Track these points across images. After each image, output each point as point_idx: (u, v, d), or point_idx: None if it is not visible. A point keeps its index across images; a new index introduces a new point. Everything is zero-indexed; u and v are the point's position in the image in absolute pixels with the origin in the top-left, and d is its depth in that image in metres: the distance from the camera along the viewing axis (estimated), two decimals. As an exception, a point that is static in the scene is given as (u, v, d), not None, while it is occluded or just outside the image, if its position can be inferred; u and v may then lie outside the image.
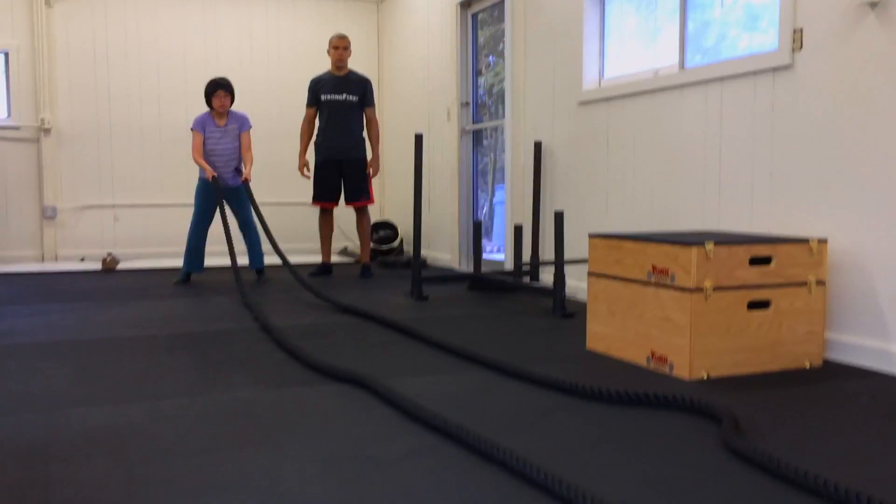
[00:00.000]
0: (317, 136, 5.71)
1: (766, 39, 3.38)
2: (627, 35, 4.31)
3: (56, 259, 6.68)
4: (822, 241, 2.81)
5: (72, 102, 6.71)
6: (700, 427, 2.07)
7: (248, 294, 4.31)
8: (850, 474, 1.73)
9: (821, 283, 2.81)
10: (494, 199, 6.86)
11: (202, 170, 5.16)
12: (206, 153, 5.20)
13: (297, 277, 4.66)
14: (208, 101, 5.20)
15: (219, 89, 5.15)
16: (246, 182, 5.18)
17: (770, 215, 3.20)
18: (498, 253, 6.20)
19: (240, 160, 5.28)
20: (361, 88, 5.65)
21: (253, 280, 5.37)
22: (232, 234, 5.06)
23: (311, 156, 5.75)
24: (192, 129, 5.20)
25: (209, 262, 5.53)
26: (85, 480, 1.69)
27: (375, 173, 5.76)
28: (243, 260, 5.71)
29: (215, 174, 5.09)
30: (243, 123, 5.28)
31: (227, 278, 5.46)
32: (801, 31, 3.02)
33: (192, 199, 5.40)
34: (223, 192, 5.17)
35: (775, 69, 3.15)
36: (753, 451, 1.78)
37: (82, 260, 6.67)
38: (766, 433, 2.02)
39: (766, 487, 1.65)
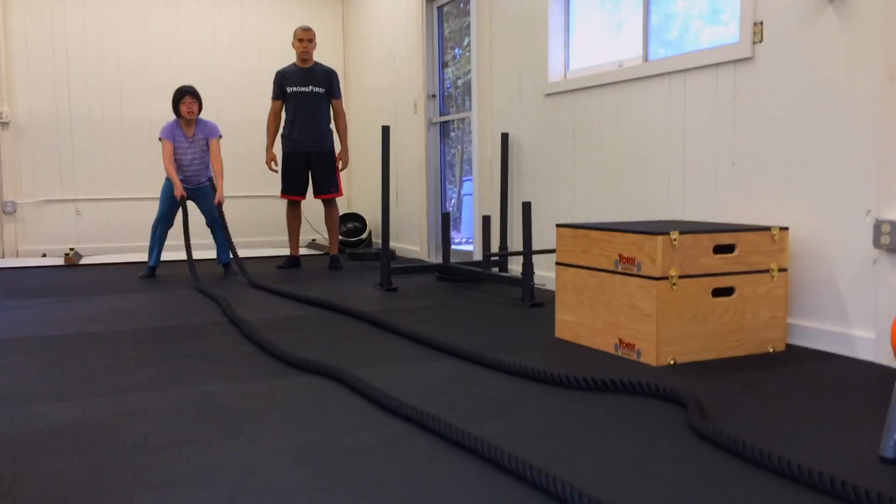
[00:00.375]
0: (283, 128, 5.68)
1: (728, 32, 3.44)
2: (592, 27, 4.34)
3: (17, 255, 6.56)
4: (784, 229, 2.87)
5: (31, 95, 6.58)
6: (666, 411, 2.11)
7: (202, 286, 4.33)
8: (814, 453, 1.78)
9: (783, 269, 2.87)
10: (463, 191, 6.88)
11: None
12: (175, 162, 5.10)
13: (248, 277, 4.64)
14: (175, 109, 5.09)
15: (185, 95, 5.05)
16: (219, 204, 5.11)
17: (733, 204, 3.25)
18: (467, 244, 6.22)
19: (208, 169, 5.21)
20: (328, 80, 5.63)
21: (220, 274, 5.33)
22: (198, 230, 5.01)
23: (277, 149, 5.72)
24: (160, 139, 5.09)
25: (174, 255, 5.47)
26: (52, 476, 1.67)
27: (345, 165, 5.75)
28: (207, 254, 5.66)
29: (184, 194, 5.02)
30: (212, 132, 5.19)
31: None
32: (762, 23, 3.07)
33: (154, 193, 5.34)
34: (187, 198, 5.12)
35: (736, 61, 3.20)
36: (718, 433, 1.82)
37: (44, 255, 6.55)
38: (731, 416, 2.06)
39: (731, 468, 1.69)
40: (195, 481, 1.64)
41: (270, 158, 5.68)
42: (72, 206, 6.75)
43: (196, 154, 5.15)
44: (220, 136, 5.23)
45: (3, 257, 6.51)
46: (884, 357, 2.66)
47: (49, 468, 1.72)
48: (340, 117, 5.72)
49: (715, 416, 2.07)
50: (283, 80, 5.60)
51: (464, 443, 1.81)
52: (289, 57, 5.87)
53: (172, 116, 5.20)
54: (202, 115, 5.32)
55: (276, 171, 5.71)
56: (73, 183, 6.75)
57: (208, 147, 5.17)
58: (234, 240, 5.42)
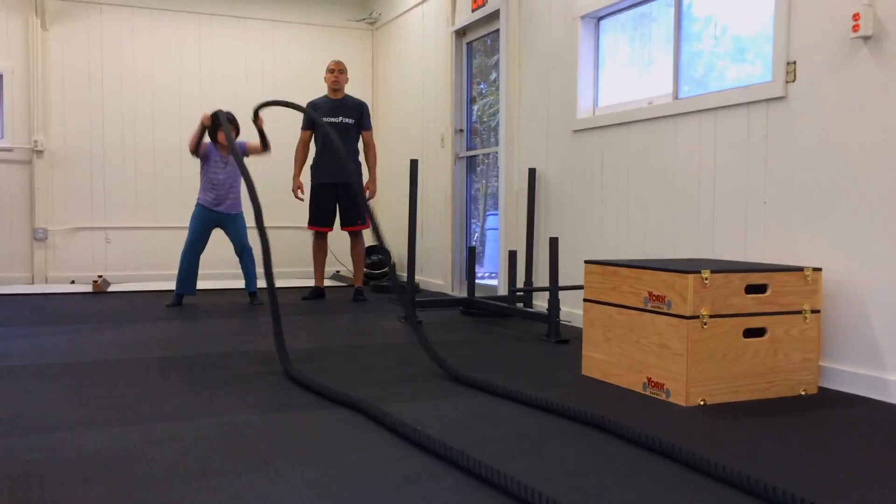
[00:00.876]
0: (313, 159, 5.74)
1: (753, 70, 3.44)
2: (621, 64, 4.36)
3: (46, 281, 6.64)
4: (817, 270, 2.83)
5: (65, 124, 6.72)
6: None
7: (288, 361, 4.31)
8: (851, 501, 1.73)
9: (815, 311, 2.82)
10: (486, 226, 6.89)
11: (201, 195, 5.19)
12: (208, 181, 5.21)
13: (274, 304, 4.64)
14: (212, 135, 5.21)
15: (221, 126, 5.17)
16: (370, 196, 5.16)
17: (764, 244, 3.22)
18: (490, 278, 6.21)
19: (238, 191, 5.30)
20: (358, 112, 5.69)
21: (246, 303, 5.36)
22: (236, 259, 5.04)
23: (305, 179, 5.77)
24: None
25: (202, 285, 5.51)
26: (81, 504, 1.67)
27: (372, 196, 5.78)
28: (235, 283, 5.70)
29: (207, 123, 5.08)
30: (243, 147, 5.31)
31: (219, 301, 5.44)
32: (795, 63, 3.07)
33: (184, 223, 5.40)
34: (215, 226, 5.19)
35: (769, 100, 3.19)
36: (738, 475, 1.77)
37: (72, 282, 6.63)
38: (766, 459, 2.02)
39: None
40: (222, 513, 1.63)
41: (297, 187, 5.73)
42: (101, 233, 6.84)
43: (229, 174, 5.25)
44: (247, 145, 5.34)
45: (33, 283, 6.60)
46: (921, 402, 2.60)
47: (77, 496, 1.72)
48: (370, 149, 5.77)
49: (744, 459, 2.03)
50: (313, 110, 5.67)
51: (493, 480, 1.78)
52: (318, 90, 5.95)
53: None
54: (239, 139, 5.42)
55: (303, 200, 5.76)
56: (103, 211, 6.85)
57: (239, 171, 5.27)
58: (257, 269, 5.45)
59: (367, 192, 5.75)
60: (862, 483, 1.87)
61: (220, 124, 5.10)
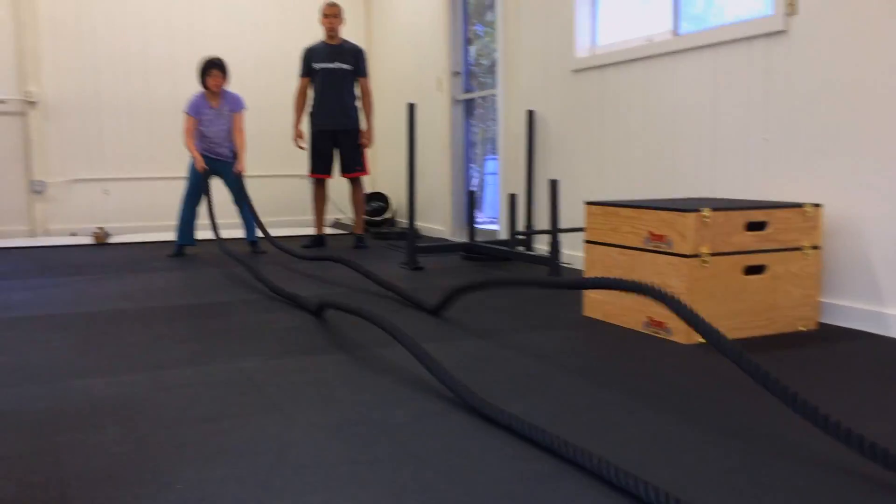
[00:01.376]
0: (311, 106, 5.68)
1: (754, 5, 3.38)
2: (620, 1, 4.28)
3: (46, 234, 6.64)
4: (817, 206, 2.83)
5: (58, 75, 6.62)
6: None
7: (229, 250, 4.35)
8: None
9: (816, 247, 2.84)
10: (486, 171, 6.86)
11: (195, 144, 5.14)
12: (199, 134, 5.16)
13: (276, 244, 4.67)
14: (203, 81, 5.14)
15: (213, 68, 5.11)
16: (239, 174, 5.15)
17: (764, 181, 3.22)
18: (490, 223, 6.21)
19: (232, 142, 5.25)
20: (354, 57, 5.62)
21: (248, 252, 5.37)
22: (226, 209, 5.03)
23: (304, 127, 5.73)
24: (185, 112, 5.14)
25: (202, 235, 5.52)
26: (95, 448, 1.71)
27: (370, 144, 5.74)
28: (237, 232, 5.72)
29: (206, 167, 5.07)
30: (236, 104, 5.23)
31: (220, 251, 5.45)
32: (797, -5, 3.02)
33: (182, 173, 5.38)
34: (212, 174, 5.16)
35: (769, 35, 3.15)
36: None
37: (73, 234, 6.64)
38: (761, 395, 2.06)
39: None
40: (235, 454, 1.66)
41: (298, 135, 5.69)
42: (100, 185, 6.81)
43: (222, 126, 5.20)
44: (245, 109, 5.27)
45: (34, 236, 6.60)
46: (919, 335, 2.63)
47: (91, 441, 1.76)
48: (367, 96, 5.71)
49: (744, 395, 2.07)
50: (310, 56, 5.60)
51: (498, 419, 1.82)
52: (312, 34, 5.86)
53: (198, 90, 5.24)
54: (228, 88, 5.34)
55: (304, 149, 5.72)
56: (101, 162, 6.81)
57: (232, 118, 5.21)
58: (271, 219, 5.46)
59: (365, 140, 5.70)
60: (859, 414, 1.90)
61: (208, 69, 5.07)
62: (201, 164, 5.04)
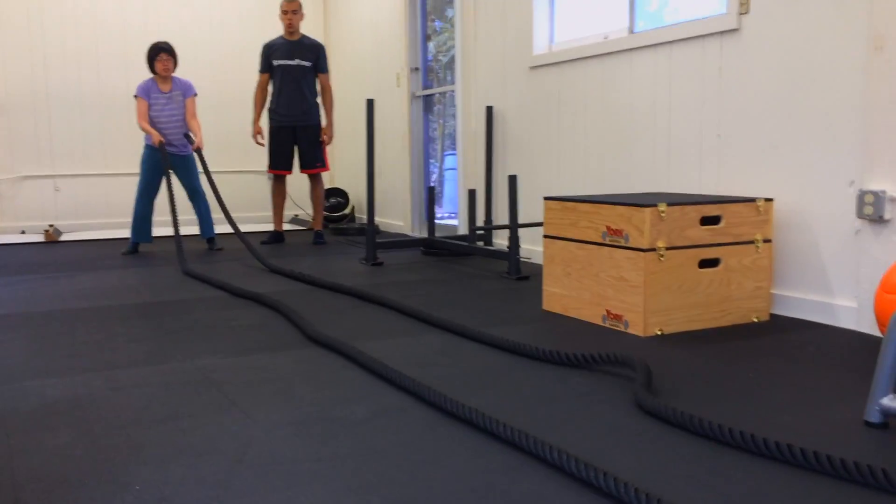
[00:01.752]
0: (270, 102, 5.62)
1: (708, 4, 3.44)
2: (577, -1, 4.32)
3: (-5, 232, 6.47)
4: (769, 200, 2.90)
5: (6, 69, 6.45)
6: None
7: (186, 262, 4.32)
8: (799, 420, 1.82)
9: (767, 240, 2.91)
10: (445, 166, 6.87)
11: (148, 137, 5.05)
12: (151, 120, 5.09)
13: (248, 247, 4.62)
14: (151, 66, 5.09)
15: (161, 52, 5.07)
16: (199, 150, 5.09)
17: (718, 176, 3.28)
18: (449, 218, 6.22)
19: (186, 127, 5.18)
20: (314, 53, 5.57)
21: (204, 249, 5.30)
22: (179, 204, 4.97)
23: (264, 122, 5.67)
24: (135, 97, 5.08)
25: (157, 232, 5.43)
26: (48, 451, 1.67)
27: (329, 140, 5.70)
28: (192, 229, 5.64)
29: (162, 140, 4.99)
30: (188, 90, 5.18)
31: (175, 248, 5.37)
32: (748, -6, 3.08)
33: (136, 168, 5.29)
34: (169, 158, 5.08)
35: (723, 33, 3.21)
36: (664, 409, 1.84)
37: (23, 232, 6.48)
38: (717, 385, 2.10)
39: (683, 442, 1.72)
40: (193, 454, 1.65)
41: (257, 132, 5.63)
42: (50, 181, 6.66)
43: (174, 111, 5.13)
44: (196, 95, 5.22)
45: (-19, 234, 6.42)
46: (866, 326, 2.71)
47: (45, 443, 1.72)
48: (327, 92, 5.67)
49: (700, 384, 2.11)
50: (269, 52, 5.54)
51: (459, 413, 1.83)
52: (270, 30, 5.80)
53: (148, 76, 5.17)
54: (177, 74, 5.28)
55: (263, 145, 5.67)
56: (51, 159, 6.65)
57: (184, 105, 5.15)
58: (215, 215, 5.38)
59: (325, 136, 5.67)
60: (803, 400, 1.96)
61: (157, 53, 5.02)
62: (158, 137, 4.97)
